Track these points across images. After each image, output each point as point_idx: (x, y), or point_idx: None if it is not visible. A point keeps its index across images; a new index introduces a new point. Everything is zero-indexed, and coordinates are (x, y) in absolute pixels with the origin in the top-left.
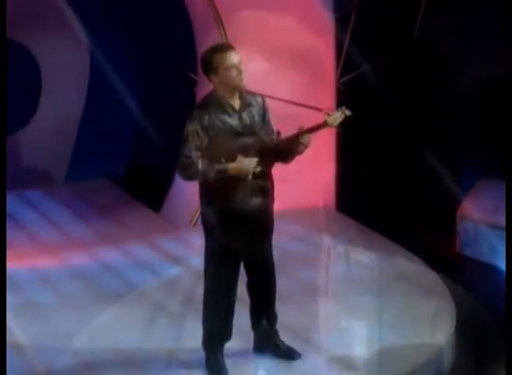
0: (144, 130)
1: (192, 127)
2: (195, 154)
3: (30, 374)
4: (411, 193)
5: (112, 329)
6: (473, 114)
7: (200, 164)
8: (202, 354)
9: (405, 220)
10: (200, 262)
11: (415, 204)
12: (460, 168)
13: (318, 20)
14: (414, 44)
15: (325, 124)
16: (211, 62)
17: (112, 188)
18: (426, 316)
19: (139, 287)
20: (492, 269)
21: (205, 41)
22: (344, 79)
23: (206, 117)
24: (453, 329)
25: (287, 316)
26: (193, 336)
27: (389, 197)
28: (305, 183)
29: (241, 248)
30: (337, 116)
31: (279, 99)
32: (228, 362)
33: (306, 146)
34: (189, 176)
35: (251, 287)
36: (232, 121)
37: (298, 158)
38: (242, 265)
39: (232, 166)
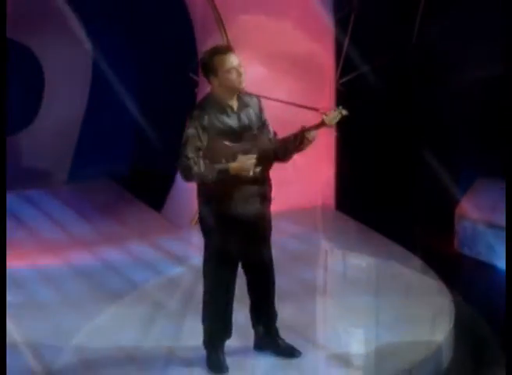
0: (146, 129)
1: (192, 128)
2: (196, 154)
3: (31, 372)
4: (410, 192)
5: (114, 327)
6: (471, 114)
7: (201, 164)
8: (203, 352)
9: (404, 219)
10: (201, 261)
11: (414, 203)
12: (459, 168)
13: (318, 23)
14: (413, 45)
15: (323, 123)
16: (211, 63)
17: (113, 188)
18: (424, 314)
19: (140, 286)
20: (489, 267)
21: (206, 42)
22: (344, 80)
23: (206, 118)
24: (451, 327)
25: (287, 315)
26: (194, 334)
27: (388, 196)
28: (305, 182)
29: (239, 250)
30: (334, 116)
31: (275, 100)
32: (229, 360)
33: (311, 142)
34: (191, 177)
35: (251, 288)
36: (232, 121)
37: (298, 158)
38: (240, 265)
39: (233, 166)
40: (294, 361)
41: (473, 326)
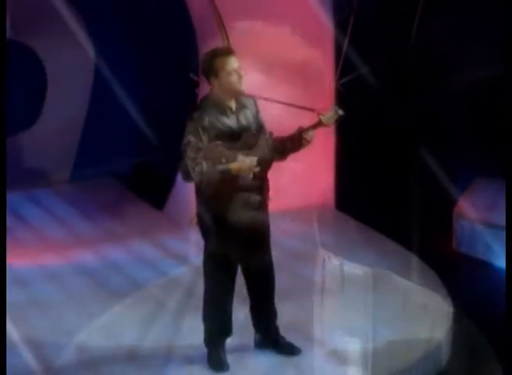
0: (148, 129)
1: (193, 129)
2: (198, 155)
3: (33, 370)
4: (409, 192)
5: (116, 325)
6: (470, 114)
7: (204, 165)
8: (204, 350)
9: (403, 219)
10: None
11: (413, 203)
12: (457, 168)
13: (317, 26)
14: (412, 46)
15: (320, 123)
16: (213, 65)
17: (115, 187)
18: (423, 312)
19: (142, 285)
20: (487, 266)
21: (207, 43)
22: (344, 80)
23: (206, 119)
24: (449, 325)
25: (287, 313)
26: (195, 332)
27: (387, 196)
28: (305, 182)
29: (237, 253)
30: (331, 116)
31: (272, 101)
32: (229, 358)
33: (309, 142)
34: (193, 177)
35: (250, 290)
36: (231, 122)
37: (298, 157)
38: (240, 269)
39: (234, 166)
40: (294, 358)
41: (471, 324)
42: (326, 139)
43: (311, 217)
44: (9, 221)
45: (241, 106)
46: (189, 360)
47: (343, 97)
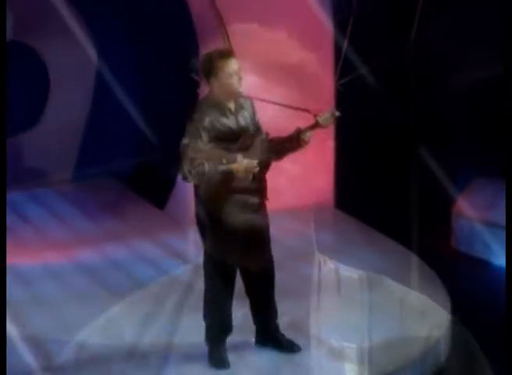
0: (149, 128)
1: (194, 130)
2: (199, 155)
3: (36, 368)
4: (409, 191)
5: (117, 323)
6: (470, 114)
7: (206, 165)
8: (205, 348)
9: (402, 217)
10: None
11: (412, 202)
12: (457, 167)
13: (317, 28)
14: (411, 46)
15: (317, 124)
16: (213, 66)
17: (117, 186)
18: (422, 310)
19: (143, 283)
20: (486, 265)
21: (207, 43)
22: (343, 81)
23: (207, 119)
24: (447, 324)
25: (287, 311)
26: (196, 331)
27: (387, 195)
28: (304, 181)
29: (235, 253)
30: (327, 117)
31: (268, 102)
32: (230, 355)
33: (307, 142)
34: (196, 178)
35: (250, 289)
36: (231, 123)
37: (297, 157)
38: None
39: (236, 167)
40: (294, 356)
41: (469, 322)
42: (326, 139)
43: (310, 216)
44: (12, 220)
45: (240, 107)
46: (190, 358)
47: (343, 97)
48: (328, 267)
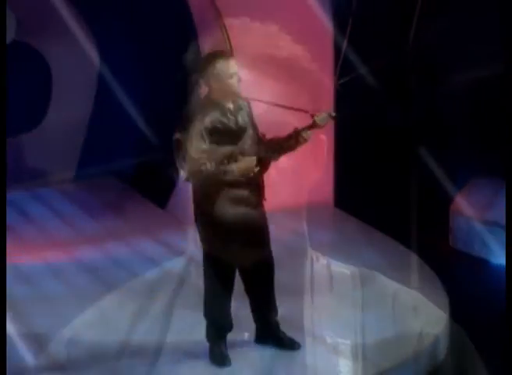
0: (150, 128)
1: (196, 130)
2: (202, 156)
3: (38, 364)
4: (408, 190)
5: (119, 321)
6: (470, 114)
7: (208, 165)
8: (206, 345)
9: (401, 217)
10: None
11: (411, 201)
12: (457, 167)
13: (316, 28)
14: (411, 46)
15: (314, 124)
16: (213, 67)
17: (119, 186)
18: (421, 308)
19: (145, 281)
20: (484, 263)
21: (208, 43)
22: (343, 81)
23: (208, 120)
24: (445, 322)
25: (287, 309)
26: (197, 328)
27: (386, 194)
28: (304, 179)
29: (234, 252)
30: (324, 117)
31: (265, 102)
32: (231, 353)
33: (306, 141)
34: (198, 178)
35: (250, 287)
36: (231, 123)
37: (297, 155)
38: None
39: (237, 166)
40: (294, 353)
41: (468, 321)
42: (325, 136)
43: (309, 215)
44: (14, 219)
45: (238, 108)
46: (192, 355)
47: (343, 97)
48: (328, 266)
